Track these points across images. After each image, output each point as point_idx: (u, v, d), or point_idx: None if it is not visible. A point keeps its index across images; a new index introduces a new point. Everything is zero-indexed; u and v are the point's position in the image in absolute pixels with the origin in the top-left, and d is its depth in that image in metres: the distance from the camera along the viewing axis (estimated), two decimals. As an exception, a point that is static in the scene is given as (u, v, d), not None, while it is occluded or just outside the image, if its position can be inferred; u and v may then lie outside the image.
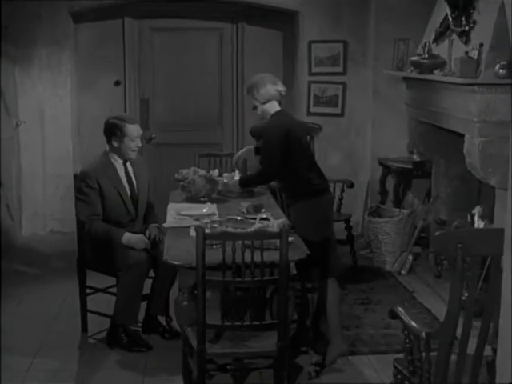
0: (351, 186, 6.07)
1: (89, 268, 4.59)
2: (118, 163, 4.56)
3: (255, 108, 4.35)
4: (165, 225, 4.28)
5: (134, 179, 4.61)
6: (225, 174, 5.13)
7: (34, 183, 6.96)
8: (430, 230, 6.01)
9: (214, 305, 3.66)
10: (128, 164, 4.59)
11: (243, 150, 4.97)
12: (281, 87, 4.35)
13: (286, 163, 4.23)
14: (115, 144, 4.49)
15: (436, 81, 4.99)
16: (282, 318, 3.41)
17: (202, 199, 4.72)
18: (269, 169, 4.33)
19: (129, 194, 4.56)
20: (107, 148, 4.55)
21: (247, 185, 4.64)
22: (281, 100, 4.36)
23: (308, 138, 6.22)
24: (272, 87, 4.29)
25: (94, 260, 4.51)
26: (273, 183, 5.40)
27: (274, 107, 4.31)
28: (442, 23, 5.20)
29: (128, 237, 4.39)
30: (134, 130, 4.50)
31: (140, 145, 4.56)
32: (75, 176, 4.61)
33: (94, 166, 4.51)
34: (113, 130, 4.48)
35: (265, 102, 4.29)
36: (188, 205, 4.62)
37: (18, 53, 6.63)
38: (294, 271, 4.05)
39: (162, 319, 4.64)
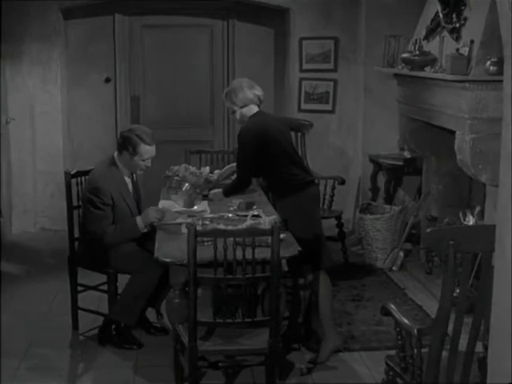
0: (342, 182, 6.07)
1: (80, 265, 4.57)
2: (126, 174, 4.46)
3: (234, 112, 4.35)
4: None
5: (139, 190, 4.58)
6: (216, 171, 5.12)
7: (24, 180, 6.93)
8: (420, 226, 6.02)
9: (206, 302, 3.66)
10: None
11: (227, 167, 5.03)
12: (258, 91, 4.35)
13: (267, 162, 4.25)
14: (124, 157, 4.37)
15: (427, 78, 4.99)
16: (273, 315, 3.41)
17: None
18: (244, 174, 4.36)
19: (135, 205, 4.51)
20: (115, 154, 4.43)
21: (229, 194, 4.59)
22: (259, 104, 4.36)
23: (299, 134, 6.28)
24: (250, 91, 4.30)
25: (86, 257, 4.48)
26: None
27: (251, 110, 4.31)
28: (432, 20, 5.20)
29: (141, 221, 4.28)
30: (148, 151, 4.35)
31: (149, 165, 4.41)
32: (66, 173, 4.58)
33: (106, 179, 4.31)
34: (126, 144, 4.33)
35: (243, 106, 4.29)
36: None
37: (8, 49, 6.60)
38: (285, 268, 4.05)
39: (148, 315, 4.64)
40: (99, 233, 4.27)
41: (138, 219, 4.30)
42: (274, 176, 4.30)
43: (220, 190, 4.61)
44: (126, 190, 4.45)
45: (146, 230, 4.31)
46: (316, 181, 4.48)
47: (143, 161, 4.37)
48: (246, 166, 4.30)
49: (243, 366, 3.96)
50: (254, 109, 4.31)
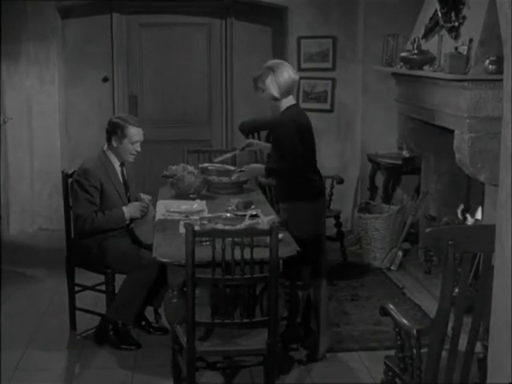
0: (341, 182, 6.06)
1: (77, 265, 4.56)
2: (116, 164, 4.51)
3: (263, 91, 4.10)
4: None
5: (127, 180, 4.59)
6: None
7: (21, 180, 6.91)
8: (419, 226, 6.01)
9: (204, 302, 3.64)
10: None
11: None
12: (297, 76, 4.16)
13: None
14: (114, 144, 4.44)
15: (425, 77, 4.98)
16: (271, 315, 3.39)
17: (192, 196, 4.71)
18: (296, 163, 4.06)
19: (126, 195, 4.54)
20: (105, 147, 4.50)
21: (272, 175, 4.33)
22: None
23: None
24: (293, 75, 4.10)
25: (84, 257, 4.47)
26: (262, 179, 5.38)
27: (289, 101, 4.14)
28: (431, 19, 5.19)
29: (128, 213, 4.40)
30: (135, 132, 4.42)
31: (139, 149, 4.48)
32: (63, 173, 4.56)
33: (96, 164, 4.41)
34: (114, 129, 4.42)
35: (282, 95, 4.07)
36: (177, 202, 4.60)
37: (5, 48, 6.58)
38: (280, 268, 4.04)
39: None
40: (86, 217, 4.33)
41: (125, 210, 4.41)
42: (298, 177, 4.11)
43: (260, 165, 4.29)
44: (116, 178, 4.50)
45: (128, 222, 4.44)
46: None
47: (132, 144, 4.42)
48: (298, 152, 4.03)
49: (242, 367, 3.95)
50: (291, 100, 4.16)
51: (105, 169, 4.44)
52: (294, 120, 4.09)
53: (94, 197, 4.36)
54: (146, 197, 4.63)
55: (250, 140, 4.50)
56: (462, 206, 5.34)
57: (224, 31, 7.22)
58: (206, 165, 5.06)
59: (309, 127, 4.19)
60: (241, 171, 4.54)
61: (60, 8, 6.80)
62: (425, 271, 5.58)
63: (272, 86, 4.06)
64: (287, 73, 4.08)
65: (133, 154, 4.48)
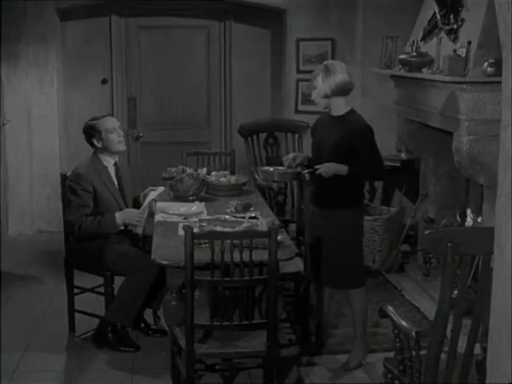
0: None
1: (76, 268, 4.56)
2: (110, 165, 4.52)
3: (314, 88, 4.09)
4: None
5: (122, 181, 4.59)
6: (213, 173, 5.11)
7: (20, 182, 6.92)
8: (418, 228, 6.01)
9: (203, 304, 3.65)
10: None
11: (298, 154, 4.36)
12: (349, 78, 4.08)
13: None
14: (98, 144, 4.46)
15: (424, 79, 4.99)
16: (270, 318, 3.39)
17: (190, 198, 4.71)
18: (383, 168, 4.16)
19: (121, 197, 4.53)
20: (93, 152, 4.53)
21: (356, 176, 4.07)
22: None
23: (296, 135, 6.27)
24: (346, 77, 4.05)
25: (83, 259, 4.47)
26: (262, 182, 5.37)
27: (346, 104, 4.11)
28: (430, 21, 5.20)
29: (120, 218, 4.37)
30: (106, 122, 4.48)
31: (122, 134, 4.52)
32: (62, 175, 4.57)
33: (88, 168, 4.43)
34: (89, 133, 4.47)
35: (337, 95, 4.05)
36: (176, 204, 4.60)
37: (5, 50, 6.58)
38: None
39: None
40: (74, 222, 4.32)
41: (118, 215, 4.37)
42: (361, 182, 4.20)
43: (341, 165, 3.98)
44: (110, 180, 4.50)
45: (122, 228, 4.41)
46: None
47: (112, 133, 4.45)
48: (380, 156, 4.12)
49: (241, 369, 3.94)
50: (347, 105, 4.13)
51: (98, 172, 4.44)
52: (369, 125, 4.12)
53: (86, 200, 4.34)
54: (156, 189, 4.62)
55: (296, 154, 4.34)
56: (460, 209, 5.33)
57: (223, 33, 7.22)
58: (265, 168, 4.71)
59: None
60: (311, 172, 4.12)
61: (59, 10, 6.80)
62: (424, 273, 5.57)
63: (322, 84, 4.06)
64: (339, 73, 4.05)
65: (120, 142, 4.49)
